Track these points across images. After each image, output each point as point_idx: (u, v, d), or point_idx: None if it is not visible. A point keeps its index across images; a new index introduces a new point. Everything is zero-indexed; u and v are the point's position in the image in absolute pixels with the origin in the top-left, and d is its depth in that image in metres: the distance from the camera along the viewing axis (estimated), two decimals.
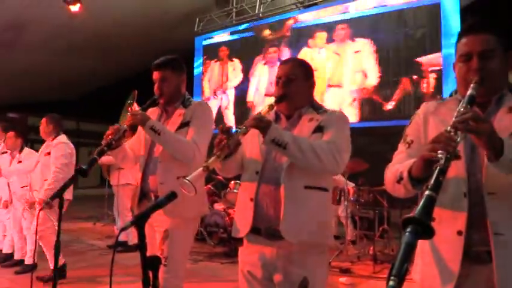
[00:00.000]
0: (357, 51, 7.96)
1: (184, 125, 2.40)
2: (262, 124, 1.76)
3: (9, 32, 9.89)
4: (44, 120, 4.43)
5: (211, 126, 2.53)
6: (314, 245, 1.83)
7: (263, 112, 1.87)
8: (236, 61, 9.96)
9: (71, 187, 3.80)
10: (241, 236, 1.94)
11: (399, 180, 1.43)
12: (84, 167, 2.08)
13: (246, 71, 9.70)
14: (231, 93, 10.00)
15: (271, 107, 1.92)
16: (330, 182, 1.96)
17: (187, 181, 1.68)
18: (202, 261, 5.25)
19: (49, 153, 4.26)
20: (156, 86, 2.44)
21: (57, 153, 4.20)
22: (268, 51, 9.33)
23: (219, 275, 4.72)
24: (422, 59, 7.14)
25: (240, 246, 2.01)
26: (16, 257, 4.96)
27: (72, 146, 4.41)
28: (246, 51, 9.75)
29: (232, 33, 10.03)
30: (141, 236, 1.39)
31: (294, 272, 1.81)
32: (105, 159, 4.82)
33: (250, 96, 9.59)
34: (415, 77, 7.22)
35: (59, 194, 1.99)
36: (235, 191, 5.80)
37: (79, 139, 19.11)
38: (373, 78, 7.70)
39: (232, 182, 5.96)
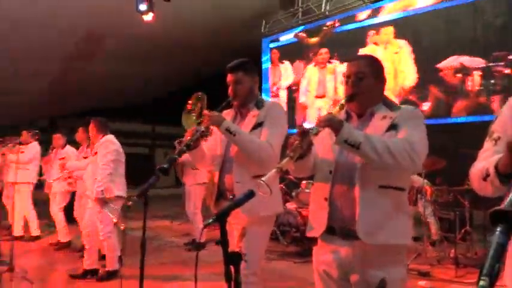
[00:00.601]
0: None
1: (258, 125, 2.43)
2: (334, 124, 1.75)
3: (89, 43, 10.65)
4: (90, 124, 4.66)
5: (285, 127, 2.55)
6: (391, 246, 1.78)
7: (334, 111, 1.86)
8: (286, 63, 10.01)
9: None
10: (316, 236, 1.94)
11: (485, 177, 1.34)
12: (165, 166, 2.21)
13: (297, 72, 9.71)
14: (283, 95, 10.01)
15: (342, 106, 1.90)
16: (407, 181, 1.90)
17: (262, 182, 1.71)
18: (275, 260, 5.30)
19: (96, 153, 4.51)
20: (230, 89, 2.50)
21: (103, 151, 4.42)
22: (319, 53, 9.25)
23: (291, 274, 4.74)
24: None
25: (314, 245, 2.01)
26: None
27: (118, 143, 4.58)
28: (296, 53, 9.75)
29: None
30: (223, 232, 1.46)
31: (371, 273, 1.77)
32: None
33: (302, 97, 9.56)
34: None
35: (143, 193, 2.11)
36: (307, 190, 5.79)
37: (155, 141, 20.17)
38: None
39: (304, 181, 5.95)
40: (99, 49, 11.11)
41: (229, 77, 2.51)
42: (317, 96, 9.20)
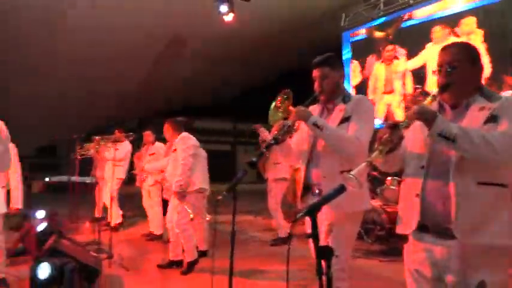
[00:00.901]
0: None
1: (345, 120, 2.40)
2: (426, 116, 1.67)
3: (173, 45, 11.19)
4: (166, 126, 4.90)
5: (373, 121, 2.49)
6: (495, 247, 1.66)
7: (426, 103, 1.78)
8: (355, 62, 9.85)
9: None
10: (407, 233, 1.87)
11: None
12: (254, 159, 2.29)
13: (368, 68, 9.47)
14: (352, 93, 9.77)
15: (433, 97, 1.81)
16: (509, 176, 1.75)
17: (351, 176, 1.69)
18: (360, 258, 5.19)
19: (175, 150, 4.72)
20: (316, 84, 2.49)
21: (181, 147, 4.62)
22: (386, 49, 8.99)
23: (377, 273, 4.61)
24: None
25: (404, 243, 1.94)
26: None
27: (195, 139, 4.79)
28: (368, 49, 9.49)
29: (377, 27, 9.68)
30: (314, 226, 1.47)
31: (469, 274, 1.67)
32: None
33: (370, 95, 9.30)
34: None
35: (232, 187, 2.19)
36: (392, 187, 5.61)
37: (236, 138, 20.68)
38: None
39: (389, 178, 5.77)
40: (184, 50, 11.62)
41: (315, 72, 2.49)
42: (384, 93, 9.01)
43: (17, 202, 4.58)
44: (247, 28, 10.61)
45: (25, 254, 5.03)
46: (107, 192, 6.69)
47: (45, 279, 3.33)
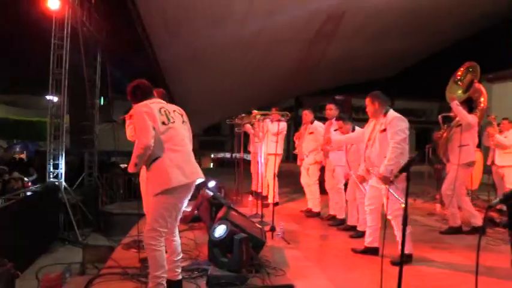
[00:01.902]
0: None
1: None
2: None
3: (329, 23, 11.02)
4: (368, 100, 4.42)
5: None
6: None
7: None
8: None
9: None
10: None
11: None
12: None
13: None
14: None
15: None
16: None
17: None
18: None
19: (384, 130, 4.22)
20: None
21: (394, 129, 4.14)
22: None
23: None
24: None
25: None
26: (349, 222, 5.64)
27: (406, 120, 4.26)
28: None
29: None
30: (511, 215, 1.30)
31: None
32: None
33: None
34: None
35: (406, 168, 2.06)
36: None
37: None
38: None
39: None
40: (339, 28, 11.40)
41: None
42: None
43: None
44: (405, 3, 9.88)
45: (199, 221, 5.65)
46: (267, 169, 7.00)
47: (220, 239, 3.69)
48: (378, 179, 4.22)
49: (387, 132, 4.18)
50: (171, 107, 3.26)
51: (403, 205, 3.83)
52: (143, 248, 4.15)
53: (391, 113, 4.27)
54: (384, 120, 4.26)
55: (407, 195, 2.08)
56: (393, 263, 3.88)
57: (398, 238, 4.05)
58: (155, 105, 3.13)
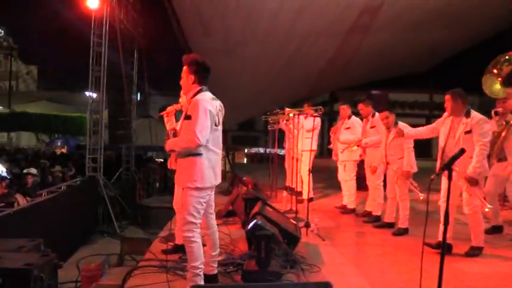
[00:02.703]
0: None
1: None
2: None
3: (364, 16, 10.79)
4: (448, 97, 4.31)
5: None
6: None
7: None
8: None
9: None
10: None
11: None
12: None
13: None
14: None
15: None
16: None
17: None
18: None
19: (469, 131, 4.15)
20: None
21: (480, 131, 4.12)
22: None
23: None
24: None
25: None
26: (386, 219, 5.50)
27: (489, 121, 4.25)
28: None
29: None
30: None
31: None
32: None
33: None
34: None
35: (448, 165, 1.99)
36: None
37: (432, 111, 19.16)
38: None
39: None
40: (376, 20, 11.15)
41: None
42: None
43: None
44: None
45: (234, 215, 5.68)
46: (301, 165, 6.95)
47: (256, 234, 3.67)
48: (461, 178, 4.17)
49: (473, 134, 4.15)
50: (218, 105, 3.20)
51: (487, 209, 4.05)
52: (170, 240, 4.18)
53: (475, 114, 4.22)
54: (468, 121, 4.20)
55: (449, 193, 2.00)
56: (467, 255, 4.19)
57: (472, 233, 4.26)
58: (214, 102, 3.11)
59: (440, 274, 2.35)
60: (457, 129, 4.27)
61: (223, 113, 3.30)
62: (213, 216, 3.38)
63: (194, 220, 3.06)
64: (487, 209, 4.08)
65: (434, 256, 3.50)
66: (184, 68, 3.19)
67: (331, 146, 6.83)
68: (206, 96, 3.09)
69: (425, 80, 17.69)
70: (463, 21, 11.87)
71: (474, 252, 4.22)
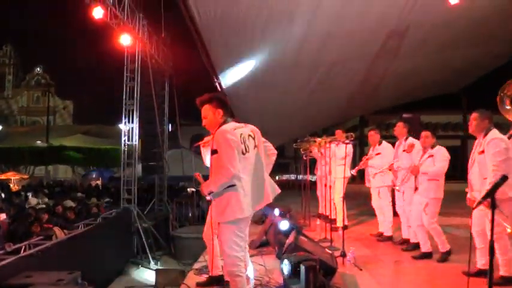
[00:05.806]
0: None
1: None
2: None
3: (391, 40, 10.73)
4: (476, 115, 4.17)
5: None
6: None
7: None
8: None
9: None
10: None
11: None
12: None
13: None
14: None
15: None
16: None
17: None
18: None
19: (483, 152, 4.02)
20: None
21: (491, 150, 3.94)
22: None
23: None
24: None
25: None
26: (423, 249, 5.22)
27: (507, 140, 4.01)
28: None
29: None
30: None
31: None
32: None
33: None
34: None
35: (491, 194, 1.92)
36: None
37: (467, 132, 18.68)
38: None
39: None
40: (403, 43, 11.09)
41: None
42: None
43: None
44: (475, 11, 9.39)
45: (268, 245, 5.61)
46: (334, 192, 6.85)
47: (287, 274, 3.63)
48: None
49: (486, 154, 4.00)
50: (247, 131, 3.19)
51: (509, 230, 3.71)
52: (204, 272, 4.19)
53: (492, 133, 4.05)
54: (483, 141, 4.07)
55: (493, 221, 1.92)
56: (496, 283, 3.74)
57: (500, 261, 3.97)
58: (237, 131, 3.09)
59: None
60: (476, 150, 4.16)
61: (259, 136, 3.28)
62: (247, 250, 3.33)
63: (236, 254, 3.04)
64: (509, 230, 3.74)
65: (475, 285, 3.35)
66: (206, 107, 3.20)
67: (354, 172, 6.67)
68: (228, 126, 3.09)
69: (458, 100, 17.33)
70: (493, 39, 11.66)
71: (505, 282, 3.89)
